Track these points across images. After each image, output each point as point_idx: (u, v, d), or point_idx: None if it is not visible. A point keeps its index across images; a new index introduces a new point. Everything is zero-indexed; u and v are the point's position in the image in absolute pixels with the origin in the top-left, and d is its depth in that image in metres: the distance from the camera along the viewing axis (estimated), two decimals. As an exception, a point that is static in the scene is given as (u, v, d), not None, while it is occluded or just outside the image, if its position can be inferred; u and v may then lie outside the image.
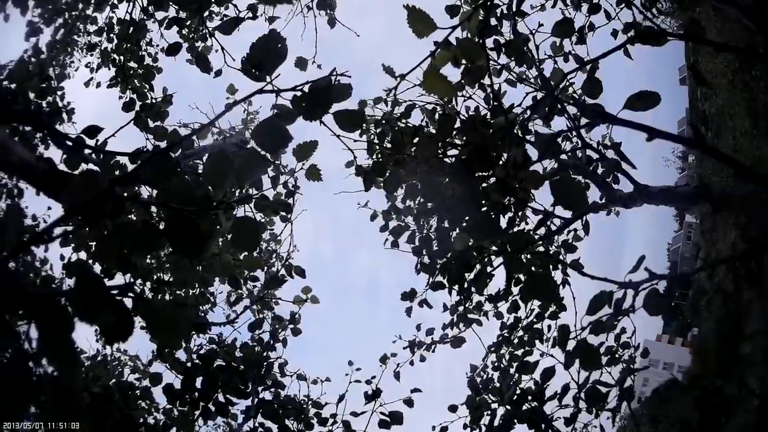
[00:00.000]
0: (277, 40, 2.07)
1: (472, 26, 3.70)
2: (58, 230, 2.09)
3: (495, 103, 3.97)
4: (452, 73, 3.93)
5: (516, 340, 5.99)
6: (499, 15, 5.22)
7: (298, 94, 2.13)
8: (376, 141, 4.78)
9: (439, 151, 3.61)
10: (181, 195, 1.95)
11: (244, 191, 4.94)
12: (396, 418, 5.09)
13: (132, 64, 6.54)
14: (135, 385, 5.53)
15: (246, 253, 4.91)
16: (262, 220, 5.86)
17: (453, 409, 5.29)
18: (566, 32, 4.47)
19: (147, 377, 5.55)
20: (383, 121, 4.80)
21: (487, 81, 3.95)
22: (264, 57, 2.07)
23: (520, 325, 6.01)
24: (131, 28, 6.58)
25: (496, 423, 5.06)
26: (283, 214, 5.55)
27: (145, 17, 6.56)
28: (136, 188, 3.77)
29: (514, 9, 5.17)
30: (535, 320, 5.94)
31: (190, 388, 5.01)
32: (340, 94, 2.25)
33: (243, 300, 6.18)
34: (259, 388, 5.27)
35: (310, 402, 5.51)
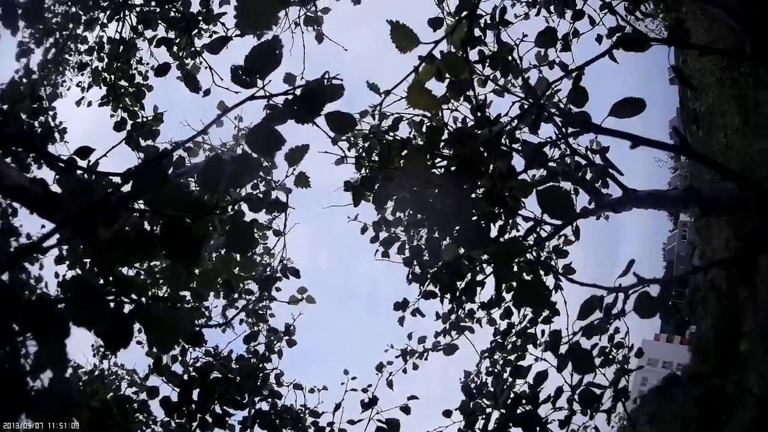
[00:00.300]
0: (276, 46, 2.08)
1: (455, 39, 3.72)
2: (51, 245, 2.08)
3: (480, 115, 4.01)
4: (438, 86, 3.97)
5: (509, 346, 6.03)
6: (482, 25, 5.26)
7: (290, 98, 2.14)
8: (363, 155, 4.82)
9: (428, 163, 3.63)
10: (173, 202, 1.94)
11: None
12: (393, 425, 5.11)
13: (123, 82, 6.58)
14: (132, 399, 5.57)
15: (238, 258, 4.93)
16: (255, 235, 5.88)
17: (447, 414, 5.32)
18: (549, 42, 4.50)
19: (144, 391, 5.59)
20: (371, 135, 4.85)
21: (472, 92, 3.99)
22: (259, 63, 2.07)
23: (513, 330, 6.05)
24: (121, 47, 6.62)
25: (491, 427, 5.10)
26: (276, 228, 5.60)
27: (134, 36, 6.61)
28: (131, 206, 3.80)
29: (497, 19, 5.20)
30: (528, 325, 5.98)
31: (187, 400, 5.05)
32: (332, 93, 2.24)
33: (237, 303, 6.21)
34: (256, 399, 5.31)
35: (307, 411, 5.55)
